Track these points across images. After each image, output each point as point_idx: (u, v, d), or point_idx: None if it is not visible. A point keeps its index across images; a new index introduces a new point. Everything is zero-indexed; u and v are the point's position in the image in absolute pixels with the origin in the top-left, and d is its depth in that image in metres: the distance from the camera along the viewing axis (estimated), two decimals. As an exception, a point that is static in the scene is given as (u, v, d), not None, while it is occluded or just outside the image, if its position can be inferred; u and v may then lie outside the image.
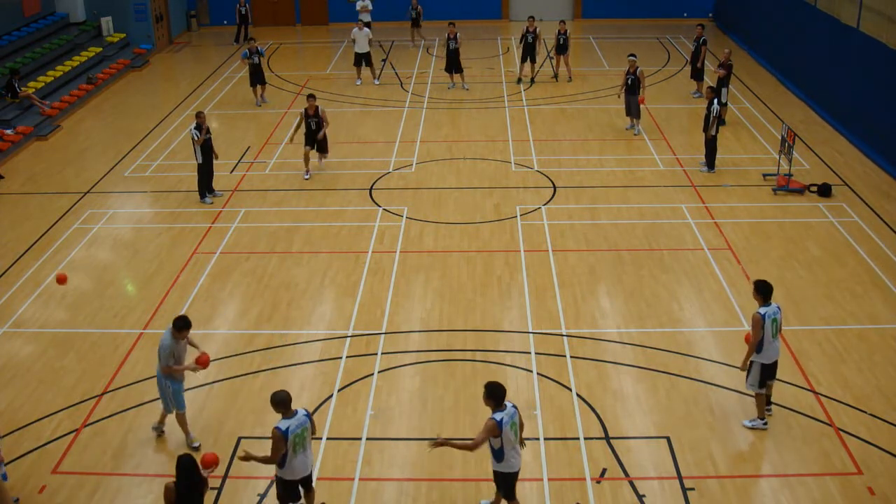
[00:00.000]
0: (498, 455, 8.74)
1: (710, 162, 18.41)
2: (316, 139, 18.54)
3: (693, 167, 18.80)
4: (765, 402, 10.68)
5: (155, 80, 27.54)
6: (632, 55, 21.06)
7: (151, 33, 30.58)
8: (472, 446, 8.72)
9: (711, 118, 17.81)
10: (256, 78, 23.80)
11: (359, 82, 25.57)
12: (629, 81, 20.69)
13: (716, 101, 17.86)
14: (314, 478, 9.37)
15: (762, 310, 10.30)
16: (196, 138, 17.00)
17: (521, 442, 8.93)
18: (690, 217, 16.43)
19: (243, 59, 23.88)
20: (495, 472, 8.93)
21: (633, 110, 20.95)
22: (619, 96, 21.62)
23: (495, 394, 8.62)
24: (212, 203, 17.37)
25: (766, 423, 10.66)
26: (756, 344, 10.36)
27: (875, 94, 19.48)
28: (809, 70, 23.51)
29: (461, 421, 10.92)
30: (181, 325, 10.33)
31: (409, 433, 10.76)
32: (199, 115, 17.13)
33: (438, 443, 8.79)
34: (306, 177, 18.69)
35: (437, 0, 32.25)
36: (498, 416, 8.59)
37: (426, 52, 29.63)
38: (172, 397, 10.49)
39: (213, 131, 21.99)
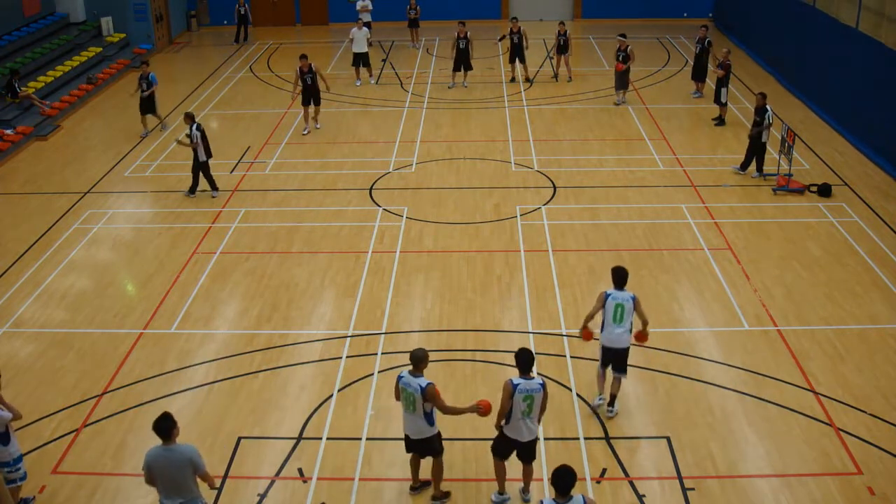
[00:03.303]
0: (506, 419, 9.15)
1: (745, 164, 18.27)
2: (312, 93, 21.04)
3: (693, 167, 18.81)
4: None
5: (155, 80, 27.53)
6: (621, 34, 23.10)
7: (151, 33, 30.59)
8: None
9: (766, 123, 17.66)
10: (146, 106, 21.32)
11: (358, 83, 25.59)
12: (619, 58, 22.59)
13: (769, 108, 17.72)
14: (429, 449, 9.43)
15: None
16: (194, 140, 17.25)
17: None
18: (690, 217, 16.43)
19: (153, 83, 21.29)
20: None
21: (621, 84, 22.92)
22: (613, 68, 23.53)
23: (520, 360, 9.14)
24: (194, 196, 17.73)
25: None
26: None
27: (875, 94, 19.48)
28: (809, 70, 23.51)
29: (461, 421, 10.90)
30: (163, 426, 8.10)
31: (410, 433, 10.76)
32: (188, 116, 17.59)
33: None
34: (305, 132, 21.27)
35: (436, 0, 32.25)
36: (516, 380, 9.01)
37: (426, 52, 29.64)
38: None
39: (213, 131, 22.14)
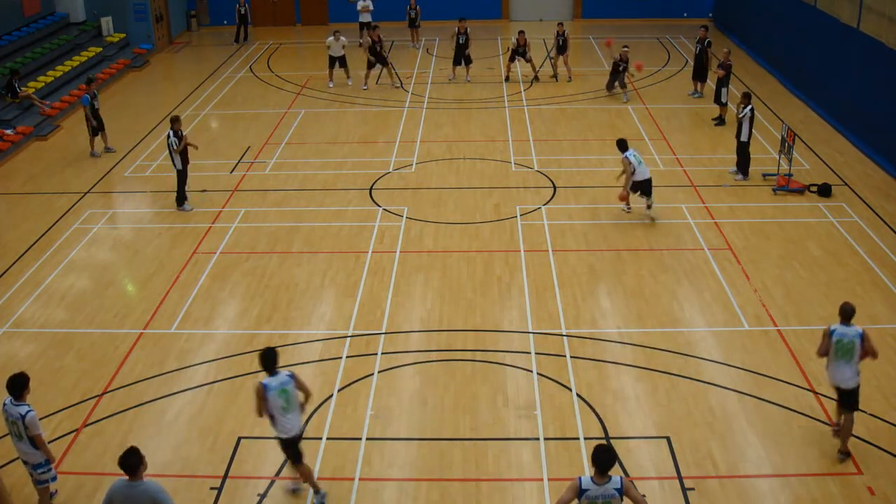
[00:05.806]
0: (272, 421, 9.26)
1: (744, 169, 18.11)
2: (378, 60, 25.00)
3: (693, 167, 18.81)
4: None
5: (155, 80, 27.54)
6: (625, 46, 24.00)
7: (151, 33, 30.59)
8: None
9: (744, 118, 17.60)
10: (97, 126, 20.25)
11: (350, 82, 25.56)
12: (620, 68, 23.60)
13: (749, 107, 17.65)
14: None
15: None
16: (175, 146, 16.70)
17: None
18: (690, 217, 16.43)
19: (83, 105, 20.09)
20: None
21: (619, 84, 23.91)
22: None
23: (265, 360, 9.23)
24: (191, 210, 17.15)
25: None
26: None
27: (875, 94, 19.47)
28: (809, 70, 23.51)
29: (461, 421, 10.92)
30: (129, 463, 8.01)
31: (409, 433, 10.76)
32: (176, 121, 16.89)
33: None
34: (364, 87, 25.01)
35: (436, 0, 32.25)
36: (265, 380, 9.12)
37: (426, 52, 29.65)
38: None
39: (213, 131, 22.19)
